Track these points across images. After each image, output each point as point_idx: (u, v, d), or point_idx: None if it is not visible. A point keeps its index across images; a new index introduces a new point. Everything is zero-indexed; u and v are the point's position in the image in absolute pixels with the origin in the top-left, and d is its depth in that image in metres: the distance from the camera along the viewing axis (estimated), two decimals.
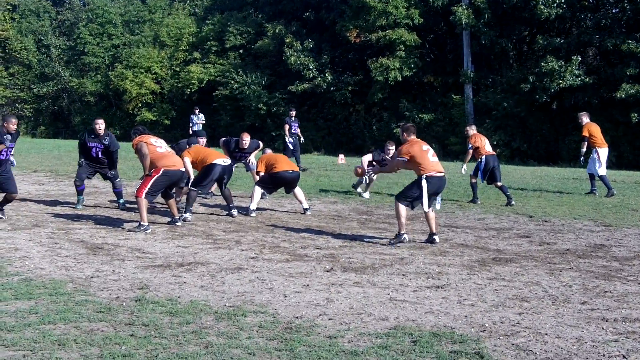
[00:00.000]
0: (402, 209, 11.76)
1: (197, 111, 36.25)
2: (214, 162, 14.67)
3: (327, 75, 43.40)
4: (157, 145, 13.19)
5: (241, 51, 50.18)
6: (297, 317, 7.48)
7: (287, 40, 44.76)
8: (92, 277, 9.09)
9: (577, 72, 34.99)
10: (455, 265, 10.26)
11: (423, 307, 7.96)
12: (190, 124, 36.50)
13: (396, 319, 7.51)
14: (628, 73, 34.18)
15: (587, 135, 19.79)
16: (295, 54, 43.83)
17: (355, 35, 42.94)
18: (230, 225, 13.55)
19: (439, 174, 11.90)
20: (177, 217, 13.57)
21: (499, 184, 17.52)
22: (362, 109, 45.02)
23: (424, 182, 11.68)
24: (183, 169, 13.59)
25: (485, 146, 17.70)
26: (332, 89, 43.55)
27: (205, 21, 53.59)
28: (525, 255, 11.07)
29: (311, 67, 43.59)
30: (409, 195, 11.82)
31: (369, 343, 6.72)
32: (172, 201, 13.63)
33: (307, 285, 8.91)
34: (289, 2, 48.82)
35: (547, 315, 7.74)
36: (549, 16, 36.04)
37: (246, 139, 17.05)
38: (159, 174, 12.83)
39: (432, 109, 40.67)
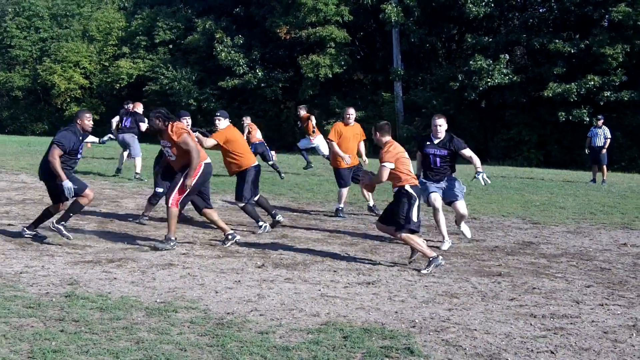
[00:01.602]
0: (413, 236, 9.99)
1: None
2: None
3: (257, 71, 43.38)
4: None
5: (171, 46, 49.91)
6: (228, 313, 7.48)
7: (217, 36, 44.63)
8: (21, 273, 8.97)
9: (505, 71, 35.53)
10: (385, 262, 10.34)
11: (354, 303, 8.01)
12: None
13: (327, 314, 7.55)
14: (555, 72, 34.80)
15: None
16: (226, 49, 43.73)
17: (285, 31, 42.96)
18: (162, 222, 13.45)
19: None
20: (230, 232, 11.46)
21: None
22: (292, 105, 45.04)
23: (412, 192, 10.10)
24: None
25: None
26: (262, 85, 43.54)
27: (135, 16, 53.14)
28: (454, 252, 11.21)
29: (242, 63, 43.53)
30: (406, 219, 9.99)
31: (300, 339, 6.75)
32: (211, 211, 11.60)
33: (239, 281, 8.91)
34: None
35: (476, 311, 7.85)
36: (478, 15, 36.52)
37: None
38: (200, 171, 11.02)
39: (362, 106, 40.88)
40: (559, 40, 35.27)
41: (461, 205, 11.65)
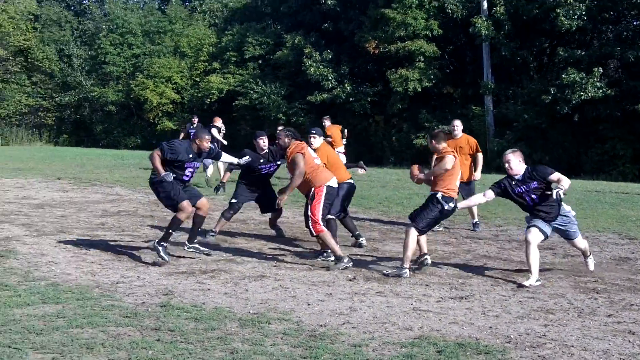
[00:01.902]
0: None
1: (217, 122, 36.31)
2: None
3: (346, 85, 43.42)
4: (314, 157, 11.29)
5: (260, 62, 50.31)
6: (321, 325, 7.50)
7: (306, 51, 44.82)
8: (117, 283, 9.15)
9: (598, 84, 34.86)
10: (478, 276, 10.23)
11: (447, 318, 7.95)
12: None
13: (420, 328, 7.51)
14: None
15: None
16: (315, 64, 43.88)
17: (374, 46, 42.90)
18: (252, 235, 13.54)
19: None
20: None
21: None
22: (381, 119, 44.99)
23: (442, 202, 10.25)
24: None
25: None
26: (351, 99, 43.56)
27: (225, 32, 53.77)
28: (549, 267, 11.02)
29: (330, 78, 43.62)
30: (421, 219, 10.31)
31: (393, 352, 6.73)
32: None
33: (330, 294, 8.92)
34: (307, 13, 48.90)
35: (572, 327, 7.71)
36: (570, 28, 35.94)
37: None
38: (324, 194, 10.86)
39: (451, 120, 40.48)
40: None
41: (580, 241, 10.69)
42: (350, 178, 12.43)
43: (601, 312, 8.35)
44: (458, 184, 10.53)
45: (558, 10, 35.57)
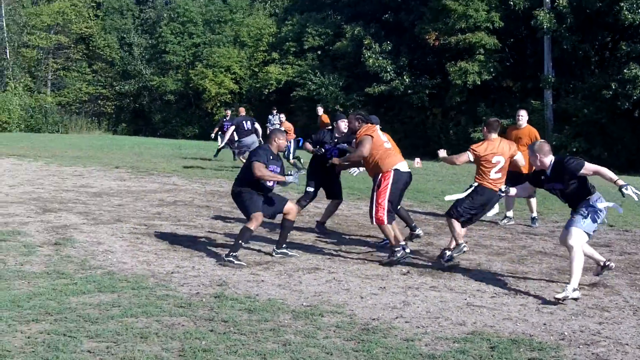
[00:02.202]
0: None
1: (274, 111, 36.51)
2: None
3: (404, 77, 43.29)
4: (384, 140, 10.92)
5: (319, 52, 50.36)
6: (373, 319, 7.51)
7: (366, 42, 44.76)
8: (172, 273, 9.25)
9: None
10: (533, 272, 10.16)
11: (501, 314, 7.92)
12: (268, 125, 36.76)
13: (473, 324, 7.50)
14: None
15: None
16: (374, 56, 43.81)
17: (434, 38, 42.70)
18: (307, 227, 13.58)
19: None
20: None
21: None
22: (439, 112, 44.77)
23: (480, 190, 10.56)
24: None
25: None
26: (409, 91, 43.40)
27: (285, 22, 53.93)
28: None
29: (389, 70, 43.52)
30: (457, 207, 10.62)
31: (446, 347, 6.73)
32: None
33: (384, 287, 8.93)
34: (367, 3, 48.83)
35: (627, 325, 7.65)
36: (633, 22, 35.41)
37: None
38: (391, 180, 10.56)
39: (510, 114, 40.21)
40: None
41: (566, 234, 9.08)
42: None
43: None
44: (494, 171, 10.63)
45: (622, 4, 35.07)
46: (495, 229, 14.09)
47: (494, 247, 12.10)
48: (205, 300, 7.92)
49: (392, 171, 10.49)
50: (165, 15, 60.30)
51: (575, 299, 8.46)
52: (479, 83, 40.27)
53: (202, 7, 60.02)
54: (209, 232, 12.40)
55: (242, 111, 27.13)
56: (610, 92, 35.26)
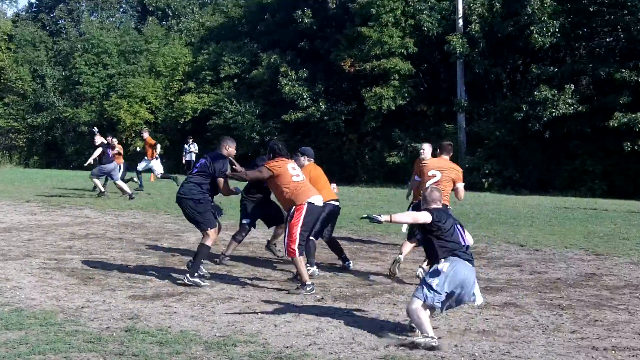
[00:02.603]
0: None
1: (190, 140, 36.47)
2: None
3: (321, 104, 43.52)
4: (293, 174, 10.81)
5: (235, 81, 50.32)
6: (287, 347, 7.50)
7: (282, 70, 44.92)
8: (82, 307, 9.09)
9: (570, 101, 35.12)
10: None
11: (413, 337, 7.95)
12: (184, 153, 36.65)
13: (386, 348, 7.52)
14: (621, 102, 34.30)
15: None
16: (290, 83, 43.98)
17: (349, 64, 43.08)
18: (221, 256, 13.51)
19: None
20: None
21: None
22: (354, 138, 45.04)
23: None
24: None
25: None
26: (325, 118, 43.62)
27: (201, 51, 53.80)
28: (516, 284, 11.09)
29: (305, 97, 43.71)
30: None
31: None
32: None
33: (298, 314, 8.92)
34: (283, 32, 49.02)
35: (537, 344, 7.77)
36: (543, 45, 36.22)
37: None
38: (304, 211, 10.49)
39: (424, 137, 40.64)
40: (625, 69, 34.80)
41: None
42: (336, 200, 12.37)
43: (565, 329, 8.42)
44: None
45: (532, 28, 35.86)
46: (413, 252, 14.17)
47: (408, 270, 12.16)
48: (116, 335, 7.80)
49: (306, 204, 10.43)
50: (79, 46, 59.50)
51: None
52: (394, 108, 40.66)
53: (117, 38, 59.46)
54: (121, 264, 12.25)
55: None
56: (522, 114, 35.95)
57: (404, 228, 11.64)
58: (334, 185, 13.56)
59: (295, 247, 10.24)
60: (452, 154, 12.11)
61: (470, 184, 36.02)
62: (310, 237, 11.39)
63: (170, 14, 65.77)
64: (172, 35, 59.64)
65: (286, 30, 48.77)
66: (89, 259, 12.64)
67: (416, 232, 10.89)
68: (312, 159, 12.50)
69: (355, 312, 9.11)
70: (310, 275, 11.16)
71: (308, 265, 11.58)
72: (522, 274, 12.01)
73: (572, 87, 35.54)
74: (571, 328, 8.45)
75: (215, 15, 58.74)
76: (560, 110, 34.88)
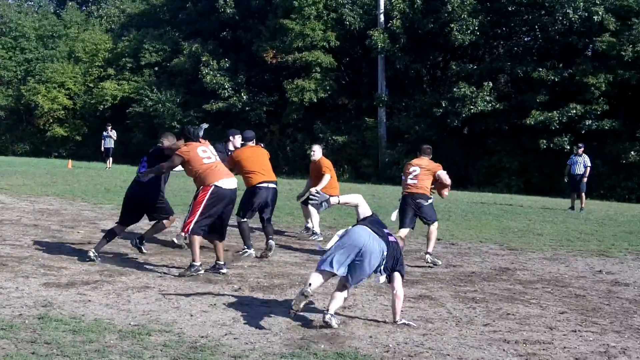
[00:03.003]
0: None
1: (109, 128, 35.99)
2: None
3: (242, 94, 43.48)
4: (203, 157, 10.86)
5: (156, 68, 49.97)
6: (202, 337, 7.46)
7: (204, 59, 44.72)
8: None
9: (488, 99, 35.73)
10: (362, 286, 10.31)
11: (330, 328, 7.99)
12: (102, 141, 36.20)
13: (301, 339, 7.54)
14: (538, 100, 35.00)
15: None
16: (211, 72, 43.84)
17: (271, 56, 43.10)
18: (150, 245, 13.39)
19: None
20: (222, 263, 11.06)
21: None
22: (276, 129, 45.10)
23: None
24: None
25: None
26: (247, 108, 43.61)
27: (121, 37, 53.22)
28: (431, 277, 11.23)
29: (227, 87, 43.62)
30: None
31: None
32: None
33: (214, 304, 8.88)
34: (205, 21, 48.76)
35: (450, 336, 7.87)
36: (463, 43, 36.73)
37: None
38: (209, 194, 10.61)
39: (345, 131, 40.98)
40: (542, 68, 35.50)
41: None
42: (274, 182, 13.01)
43: (478, 322, 8.55)
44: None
45: (452, 25, 36.34)
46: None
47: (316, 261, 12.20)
48: (29, 322, 7.65)
49: (212, 186, 10.52)
50: None
51: None
52: (316, 101, 40.85)
53: (36, 22, 58.51)
54: (35, 251, 12.04)
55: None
56: (441, 110, 36.44)
57: (394, 216, 11.93)
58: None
59: (192, 224, 10.43)
60: (431, 155, 13.49)
61: (390, 178, 36.39)
62: (244, 219, 12.30)
63: (90, 0, 64.94)
64: (91, 20, 58.88)
65: (208, 19, 48.55)
66: (3, 245, 12.41)
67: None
68: (248, 142, 13.25)
69: (272, 303, 9.11)
70: (249, 257, 12.09)
71: (245, 247, 12.40)
72: (437, 267, 12.17)
73: (491, 84, 36.17)
74: (484, 321, 8.58)
75: (137, 2, 58.24)
76: (479, 107, 35.47)
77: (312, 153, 15.34)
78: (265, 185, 12.73)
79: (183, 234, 11.01)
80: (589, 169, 24.33)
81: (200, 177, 10.61)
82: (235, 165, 12.60)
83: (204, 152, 10.79)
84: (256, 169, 12.77)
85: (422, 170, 13.07)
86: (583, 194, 24.44)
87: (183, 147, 10.81)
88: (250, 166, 12.74)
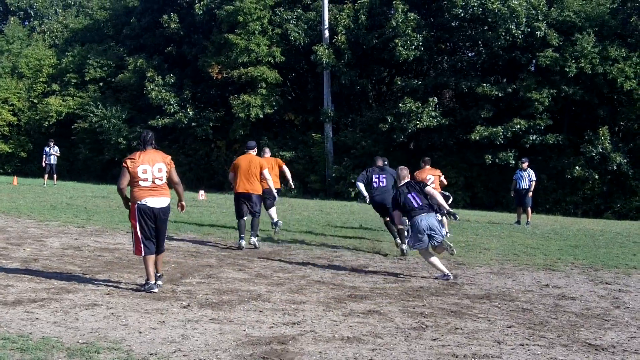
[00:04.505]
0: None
1: (51, 143, 35.65)
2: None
3: (188, 110, 43.35)
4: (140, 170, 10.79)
5: (101, 84, 49.60)
6: (151, 354, 7.43)
7: (149, 75, 44.52)
8: None
9: (433, 114, 36.03)
10: (311, 302, 10.36)
11: (278, 344, 8.01)
12: (44, 156, 35.82)
13: (251, 355, 7.54)
14: (482, 115, 35.37)
15: None
16: (157, 88, 43.65)
17: (217, 71, 43.04)
18: (85, 261, 13.29)
19: None
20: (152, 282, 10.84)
21: None
22: (223, 145, 45.01)
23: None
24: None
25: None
26: (193, 124, 43.48)
27: (65, 53, 52.75)
28: (380, 292, 11.28)
29: (172, 102, 43.46)
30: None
31: None
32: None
33: (163, 321, 8.85)
34: (150, 36, 48.57)
35: (399, 351, 7.91)
36: (407, 58, 37.00)
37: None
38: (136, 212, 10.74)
39: (292, 146, 41.03)
40: (486, 83, 35.89)
41: None
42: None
43: (427, 336, 8.61)
44: None
45: (396, 41, 36.58)
46: (276, 261, 14.27)
47: (274, 277, 12.26)
48: None
49: (136, 205, 10.71)
50: None
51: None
52: (262, 116, 40.88)
53: None
54: None
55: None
56: (387, 126, 36.65)
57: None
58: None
59: (135, 246, 10.87)
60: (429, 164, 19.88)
61: (336, 194, 36.49)
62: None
63: (33, 15, 64.37)
64: (35, 36, 58.33)
65: (152, 34, 48.39)
66: None
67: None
68: (249, 151, 16.39)
69: (221, 319, 9.09)
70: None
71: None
72: (386, 282, 12.24)
73: (436, 100, 36.47)
74: (432, 336, 8.64)
75: (80, 17, 57.82)
76: (424, 123, 35.74)
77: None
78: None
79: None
80: (534, 183, 24.61)
81: (131, 192, 10.82)
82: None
83: (146, 165, 10.92)
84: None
85: (435, 179, 18.62)
86: (529, 208, 24.75)
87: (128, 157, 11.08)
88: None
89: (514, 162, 34.17)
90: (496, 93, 35.53)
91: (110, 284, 11.19)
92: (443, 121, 36.17)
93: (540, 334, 8.96)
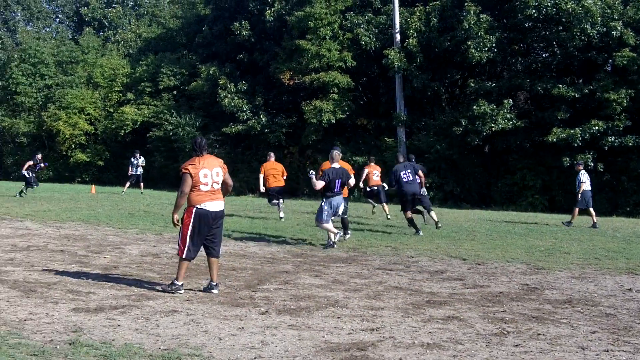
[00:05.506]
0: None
1: (137, 154, 36.24)
2: None
3: (261, 117, 43.56)
4: (202, 175, 11.01)
5: (175, 92, 50.15)
6: None
7: (221, 82, 44.85)
8: (25, 320, 8.94)
9: (508, 116, 35.60)
10: (389, 308, 10.30)
11: (357, 350, 7.97)
12: (130, 167, 36.37)
13: None
14: (559, 117, 34.84)
15: None
16: (229, 95, 43.95)
17: (288, 77, 43.20)
18: (164, 268, 13.42)
19: None
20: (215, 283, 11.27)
21: None
22: (295, 150, 45.14)
23: None
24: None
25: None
26: (266, 130, 43.69)
27: (139, 62, 53.48)
28: (459, 297, 11.16)
29: (245, 109, 43.72)
30: None
31: None
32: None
33: (242, 328, 8.87)
34: (222, 44, 48.96)
35: (480, 357, 7.80)
36: (480, 60, 36.64)
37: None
38: (192, 216, 10.96)
39: (365, 151, 40.93)
40: (562, 85, 35.33)
41: None
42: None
43: (509, 342, 8.48)
44: None
45: (469, 43, 36.26)
46: (352, 266, 14.23)
47: (351, 283, 12.22)
48: (60, 348, 7.67)
49: (194, 209, 10.89)
50: (15, 56, 58.83)
51: None
52: (334, 122, 40.86)
53: (54, 48, 58.96)
54: (63, 277, 12.07)
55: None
56: (461, 129, 36.31)
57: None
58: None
59: (184, 250, 11.02)
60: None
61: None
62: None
63: (107, 25, 65.45)
64: (109, 46, 59.27)
65: (224, 42, 48.75)
66: (31, 271, 12.45)
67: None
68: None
69: (299, 326, 9.09)
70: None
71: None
72: (464, 287, 12.11)
73: (511, 102, 36.03)
74: (514, 342, 8.51)
75: (153, 27, 58.57)
76: (499, 125, 35.33)
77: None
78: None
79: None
80: (582, 184, 24.47)
81: (189, 195, 10.97)
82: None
83: (206, 169, 11.13)
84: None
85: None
86: (591, 210, 24.53)
87: (188, 162, 11.29)
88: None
89: (592, 164, 33.62)
90: (572, 94, 34.97)
91: (189, 290, 11.27)
92: (518, 123, 35.71)
93: (625, 339, 8.77)
